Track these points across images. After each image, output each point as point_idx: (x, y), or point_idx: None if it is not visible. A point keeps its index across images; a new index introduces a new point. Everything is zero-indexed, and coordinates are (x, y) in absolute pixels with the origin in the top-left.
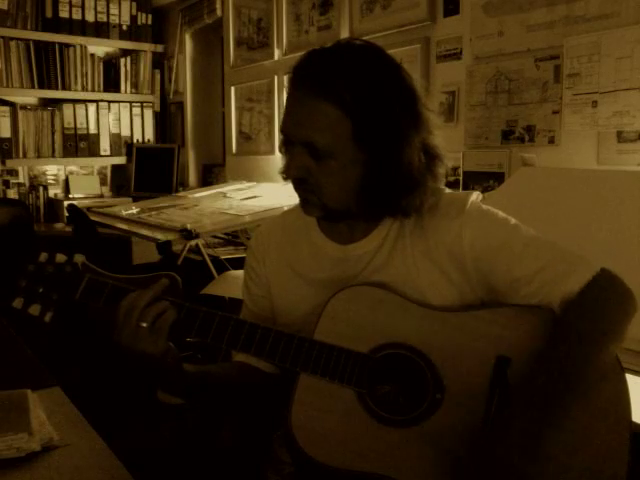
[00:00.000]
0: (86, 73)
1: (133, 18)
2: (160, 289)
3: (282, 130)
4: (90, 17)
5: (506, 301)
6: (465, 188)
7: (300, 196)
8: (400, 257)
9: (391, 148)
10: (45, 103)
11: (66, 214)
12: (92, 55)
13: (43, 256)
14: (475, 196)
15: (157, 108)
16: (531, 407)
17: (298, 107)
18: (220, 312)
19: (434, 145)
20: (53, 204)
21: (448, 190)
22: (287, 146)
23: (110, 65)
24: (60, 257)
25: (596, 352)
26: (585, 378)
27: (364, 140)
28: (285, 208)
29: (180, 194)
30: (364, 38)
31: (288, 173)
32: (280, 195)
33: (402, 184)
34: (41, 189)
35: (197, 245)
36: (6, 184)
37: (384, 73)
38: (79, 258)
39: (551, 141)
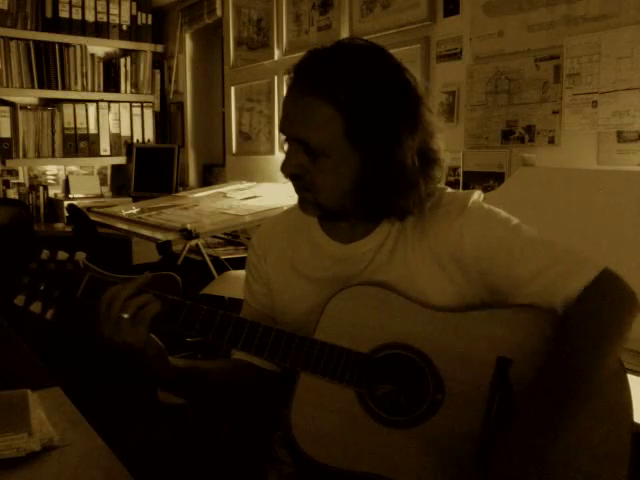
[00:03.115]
0: (86, 73)
1: (133, 18)
2: (143, 282)
3: (279, 127)
4: (90, 17)
5: (508, 301)
6: (465, 188)
7: (297, 194)
8: (401, 256)
9: (383, 148)
10: (45, 103)
11: (66, 214)
12: (92, 55)
13: (45, 253)
14: (477, 195)
15: (157, 108)
16: (534, 411)
17: (293, 105)
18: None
19: (434, 149)
20: (53, 204)
21: (449, 189)
22: (286, 143)
23: (110, 65)
24: (62, 254)
25: (599, 356)
26: (588, 382)
27: (357, 139)
28: (285, 208)
29: (180, 194)
30: (365, 38)
31: (284, 169)
32: (280, 195)
33: (394, 186)
34: (41, 189)
35: (197, 245)
36: (6, 184)
37: (382, 73)
38: (80, 256)
39: (551, 141)
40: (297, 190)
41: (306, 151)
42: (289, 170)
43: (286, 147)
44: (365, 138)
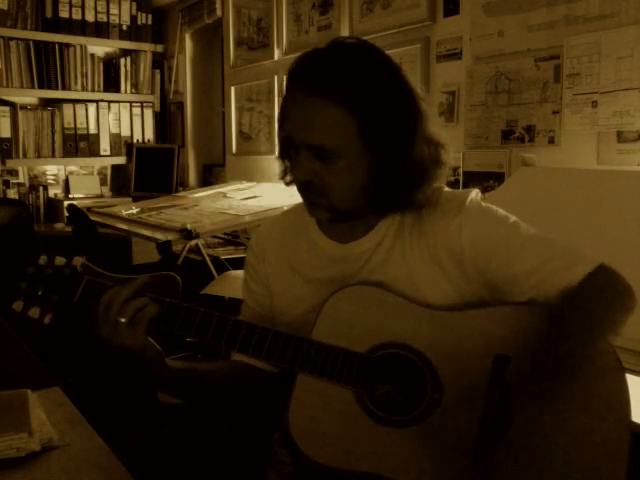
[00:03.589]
0: (86, 73)
1: (133, 18)
2: (140, 284)
3: (285, 135)
4: (90, 17)
5: (506, 298)
6: (465, 188)
7: (307, 199)
8: (399, 255)
9: (400, 143)
10: (45, 103)
11: (66, 214)
12: (92, 55)
13: (42, 259)
14: (474, 194)
15: (157, 108)
16: (525, 402)
17: (301, 110)
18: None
19: (435, 133)
20: (53, 204)
21: (447, 188)
22: (289, 150)
23: (110, 65)
24: (59, 260)
25: (590, 344)
26: (578, 370)
27: (371, 137)
28: (285, 208)
29: (180, 194)
30: (363, 38)
31: (296, 177)
32: (280, 195)
33: (414, 177)
34: (41, 189)
35: (197, 245)
36: (6, 184)
37: (381, 69)
38: (78, 260)
39: (551, 141)
40: (308, 196)
41: (317, 155)
42: (303, 177)
43: (285, 154)
44: (380, 136)
